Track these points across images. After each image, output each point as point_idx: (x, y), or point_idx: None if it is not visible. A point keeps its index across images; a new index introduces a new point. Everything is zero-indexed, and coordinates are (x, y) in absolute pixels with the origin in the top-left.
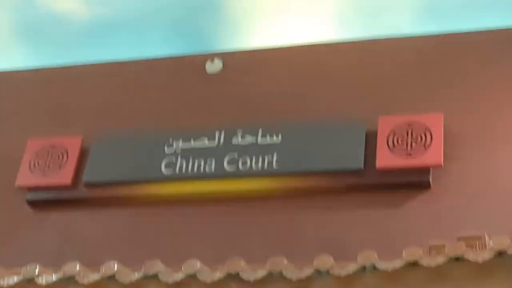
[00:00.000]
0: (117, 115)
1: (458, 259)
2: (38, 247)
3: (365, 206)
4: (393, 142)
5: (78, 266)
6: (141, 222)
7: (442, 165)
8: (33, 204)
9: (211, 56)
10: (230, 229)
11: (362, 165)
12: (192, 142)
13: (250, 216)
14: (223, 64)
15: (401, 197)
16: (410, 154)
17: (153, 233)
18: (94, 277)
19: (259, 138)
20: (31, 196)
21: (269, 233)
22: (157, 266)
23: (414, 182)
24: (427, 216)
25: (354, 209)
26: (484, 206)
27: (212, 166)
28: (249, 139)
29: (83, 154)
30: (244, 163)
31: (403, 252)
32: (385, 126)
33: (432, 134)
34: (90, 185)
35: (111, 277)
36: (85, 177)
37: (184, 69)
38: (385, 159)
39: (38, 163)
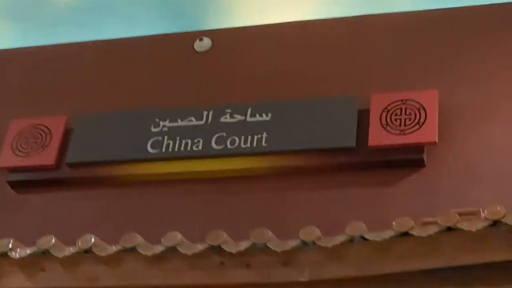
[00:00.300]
0: (103, 94)
1: (450, 229)
2: (21, 228)
3: (357, 184)
4: (386, 120)
5: (53, 240)
6: (127, 202)
7: (437, 142)
8: (16, 185)
9: (200, 35)
10: (218, 208)
11: (354, 143)
12: (179, 121)
13: (238, 196)
14: (212, 43)
15: (394, 176)
16: (404, 132)
17: (139, 213)
18: (69, 251)
19: (248, 117)
20: (13, 177)
21: (257, 212)
22: (136, 239)
23: (407, 160)
24: (421, 194)
25: (346, 188)
26: (479, 184)
27: (199, 145)
28: (238, 117)
29: (67, 135)
30: (233, 142)
31: (394, 223)
32: (378, 103)
33: (427, 111)
34: (74, 166)
35: (88, 251)
36: (69, 157)
37: (172, 48)
38: (378, 137)
39: (20, 143)
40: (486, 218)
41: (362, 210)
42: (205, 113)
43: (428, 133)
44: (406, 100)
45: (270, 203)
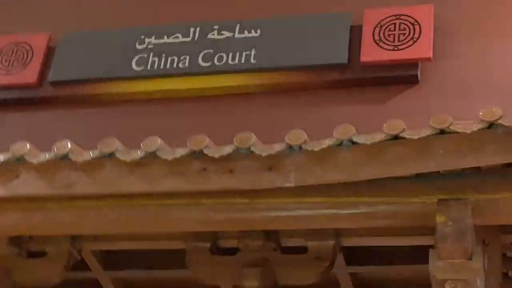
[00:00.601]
0: (87, 11)
1: (444, 132)
2: (2, 148)
3: (349, 102)
4: (379, 36)
5: (28, 145)
6: (111, 121)
7: (431, 58)
8: None
9: None
10: (203, 124)
11: (345, 60)
12: (165, 38)
13: (225, 113)
14: None
15: (387, 93)
16: (398, 48)
17: (123, 132)
18: (45, 157)
19: (237, 33)
20: None
21: (244, 128)
22: (114, 144)
23: (401, 76)
24: (414, 111)
25: (337, 105)
26: (474, 101)
27: (186, 62)
28: (225, 34)
29: (49, 52)
30: (220, 59)
31: (384, 125)
32: (371, 19)
33: (421, 26)
34: (57, 84)
35: (64, 157)
36: (51, 75)
37: None
38: (370, 53)
39: (1, 61)
40: (481, 120)
41: (354, 126)
42: (192, 29)
43: (422, 49)
44: (400, 15)
45: (258, 120)
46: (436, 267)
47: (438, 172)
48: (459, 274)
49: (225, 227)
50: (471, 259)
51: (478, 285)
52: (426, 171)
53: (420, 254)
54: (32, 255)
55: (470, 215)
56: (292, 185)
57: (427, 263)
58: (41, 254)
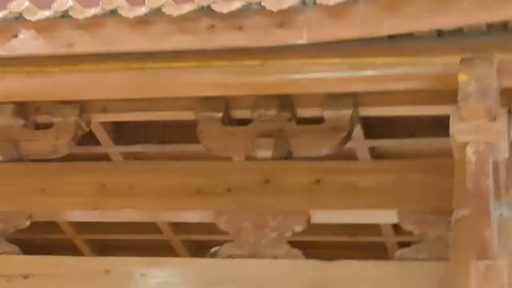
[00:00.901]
0: None
1: None
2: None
3: None
4: None
5: (26, 2)
6: None
7: None
8: None
9: None
10: None
11: None
12: None
13: None
14: None
15: None
16: None
17: None
18: (44, 14)
19: None
20: None
21: None
22: (116, 0)
23: None
24: None
25: None
26: None
27: None
28: None
29: None
30: None
31: None
32: None
33: None
34: None
35: (65, 15)
36: None
37: None
38: None
39: None
40: None
41: None
42: None
43: None
44: None
45: None
46: (457, 129)
47: (461, 30)
48: (482, 136)
49: (235, 91)
50: (494, 120)
51: (501, 148)
52: (449, 25)
53: (440, 127)
54: (39, 126)
55: (495, 74)
56: (305, 42)
57: (448, 135)
58: (48, 126)
